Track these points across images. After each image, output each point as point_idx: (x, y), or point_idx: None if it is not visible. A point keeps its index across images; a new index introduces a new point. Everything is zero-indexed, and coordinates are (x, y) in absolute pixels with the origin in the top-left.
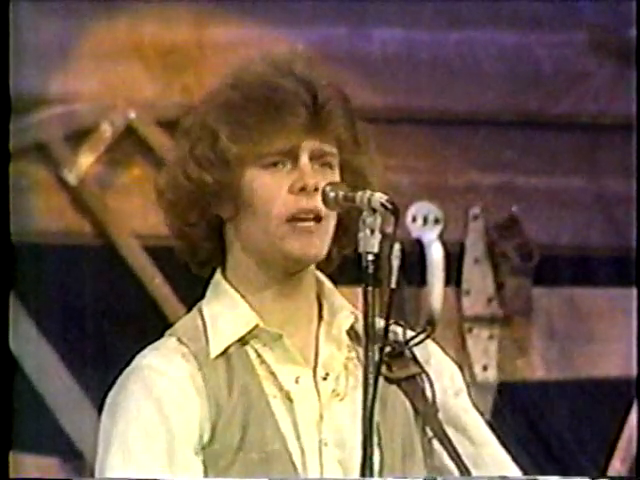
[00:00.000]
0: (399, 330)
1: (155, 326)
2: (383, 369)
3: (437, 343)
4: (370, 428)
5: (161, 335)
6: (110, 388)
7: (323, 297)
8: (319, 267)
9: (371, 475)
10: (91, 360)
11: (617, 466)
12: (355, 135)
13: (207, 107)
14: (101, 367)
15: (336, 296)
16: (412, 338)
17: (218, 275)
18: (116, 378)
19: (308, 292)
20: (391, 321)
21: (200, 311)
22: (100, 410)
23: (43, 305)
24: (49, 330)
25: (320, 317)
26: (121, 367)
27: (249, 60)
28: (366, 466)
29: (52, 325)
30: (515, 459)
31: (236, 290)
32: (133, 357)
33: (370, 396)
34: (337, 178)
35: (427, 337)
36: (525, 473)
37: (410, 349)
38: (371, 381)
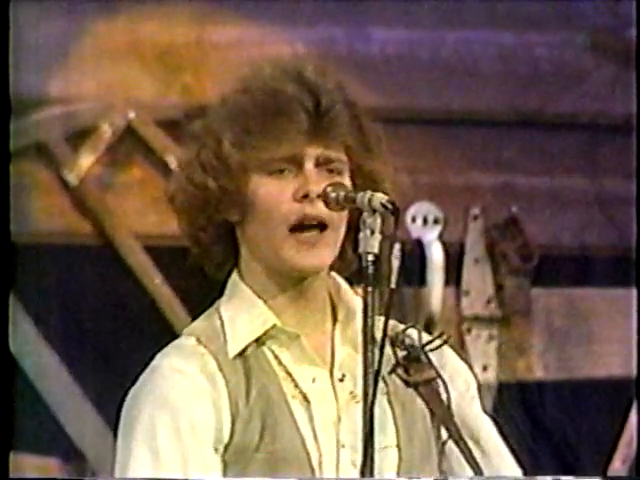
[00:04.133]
0: (414, 334)
1: (154, 326)
2: (401, 372)
3: (453, 347)
4: (371, 428)
5: (161, 335)
6: (112, 387)
7: (337, 298)
8: (335, 269)
9: (371, 475)
10: (91, 360)
11: (617, 466)
12: (364, 140)
13: (215, 112)
14: (101, 367)
15: (352, 298)
16: (428, 343)
17: (235, 275)
18: (116, 380)
19: (321, 294)
20: (407, 324)
21: (218, 311)
22: (100, 410)
23: (43, 305)
24: (49, 330)
25: (335, 318)
26: (120, 367)
27: (259, 65)
28: (366, 466)
29: (52, 325)
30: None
31: (253, 290)
32: (132, 358)
33: (370, 397)
34: (346, 183)
35: (444, 343)
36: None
37: (426, 354)
38: (371, 381)
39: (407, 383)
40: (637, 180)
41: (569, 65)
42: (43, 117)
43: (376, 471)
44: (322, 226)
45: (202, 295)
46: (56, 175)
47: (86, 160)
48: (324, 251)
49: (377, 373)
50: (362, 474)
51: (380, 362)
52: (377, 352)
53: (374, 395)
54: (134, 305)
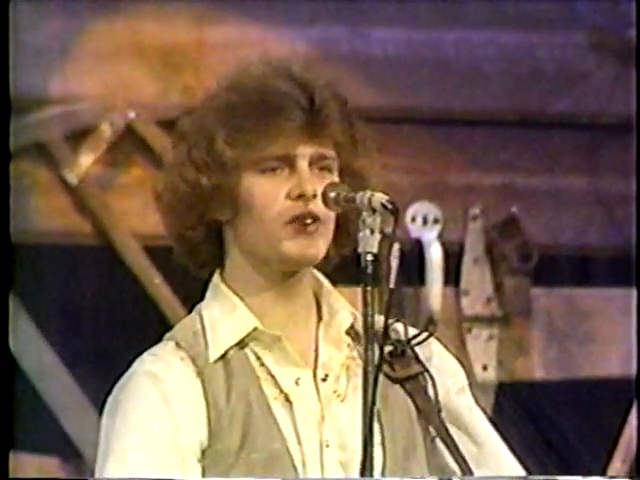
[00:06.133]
0: (401, 329)
1: (154, 326)
2: (385, 368)
3: (440, 341)
4: (370, 428)
5: (161, 335)
6: (110, 390)
7: (321, 298)
8: (316, 266)
9: (371, 475)
10: (90, 360)
11: (617, 466)
12: (353, 137)
13: (205, 110)
14: (100, 367)
15: (335, 296)
16: (414, 337)
17: (217, 278)
18: (116, 380)
19: (306, 293)
20: (392, 319)
21: (199, 314)
22: (100, 411)
23: (42, 305)
24: (49, 330)
25: (319, 318)
26: (120, 367)
27: (247, 62)
28: (366, 466)
29: (52, 325)
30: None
31: (234, 293)
32: (132, 359)
33: (370, 396)
34: (336, 181)
35: (429, 336)
36: (528, 472)
37: (412, 348)
38: (371, 381)
39: (392, 379)
40: (637, 180)
41: (569, 65)
42: (43, 117)
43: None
44: (317, 220)
45: (201, 295)
46: (56, 175)
47: (86, 160)
48: (319, 241)
49: (377, 372)
50: (362, 474)
51: (380, 361)
52: (377, 351)
53: (374, 394)
54: (133, 305)
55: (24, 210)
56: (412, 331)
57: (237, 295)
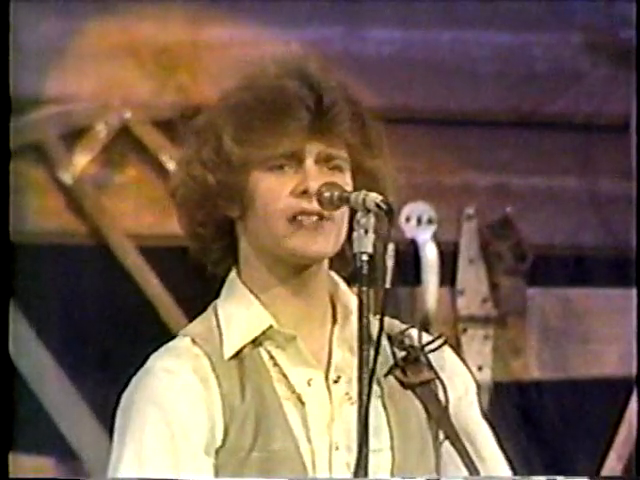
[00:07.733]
0: (414, 334)
1: (150, 326)
2: (398, 373)
3: (453, 348)
4: (366, 429)
5: (157, 336)
6: (109, 389)
7: (337, 299)
8: (334, 269)
9: (365, 476)
10: (88, 361)
11: (613, 466)
12: (366, 138)
13: (217, 108)
14: (98, 368)
15: (350, 298)
16: (428, 344)
17: (233, 274)
18: (116, 380)
19: (321, 293)
20: (407, 325)
21: (215, 311)
22: (97, 411)
23: (38, 306)
24: (46, 332)
25: (334, 319)
26: (116, 367)
27: (263, 63)
28: (360, 467)
29: (48, 326)
30: (511, 459)
31: (250, 290)
32: (129, 358)
33: (365, 397)
34: (347, 181)
35: (444, 344)
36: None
37: (425, 355)
38: (365, 382)
39: (403, 385)
40: (637, 180)
41: (565, 65)
42: (39, 117)
43: (370, 474)
44: (321, 218)
45: (198, 296)
46: (51, 175)
47: (81, 160)
48: (325, 238)
49: (372, 372)
50: (355, 475)
51: (375, 361)
52: (372, 351)
53: (369, 394)
54: (129, 305)
55: (19, 209)
56: (426, 337)
57: (252, 292)
